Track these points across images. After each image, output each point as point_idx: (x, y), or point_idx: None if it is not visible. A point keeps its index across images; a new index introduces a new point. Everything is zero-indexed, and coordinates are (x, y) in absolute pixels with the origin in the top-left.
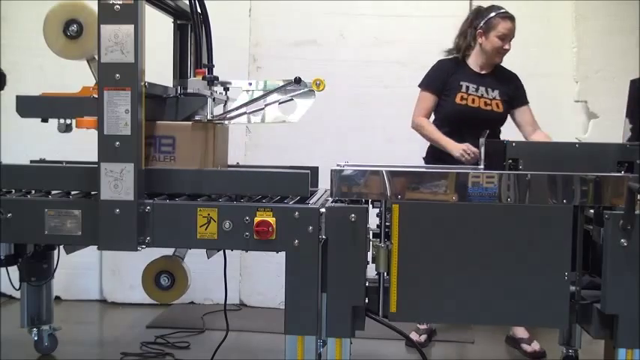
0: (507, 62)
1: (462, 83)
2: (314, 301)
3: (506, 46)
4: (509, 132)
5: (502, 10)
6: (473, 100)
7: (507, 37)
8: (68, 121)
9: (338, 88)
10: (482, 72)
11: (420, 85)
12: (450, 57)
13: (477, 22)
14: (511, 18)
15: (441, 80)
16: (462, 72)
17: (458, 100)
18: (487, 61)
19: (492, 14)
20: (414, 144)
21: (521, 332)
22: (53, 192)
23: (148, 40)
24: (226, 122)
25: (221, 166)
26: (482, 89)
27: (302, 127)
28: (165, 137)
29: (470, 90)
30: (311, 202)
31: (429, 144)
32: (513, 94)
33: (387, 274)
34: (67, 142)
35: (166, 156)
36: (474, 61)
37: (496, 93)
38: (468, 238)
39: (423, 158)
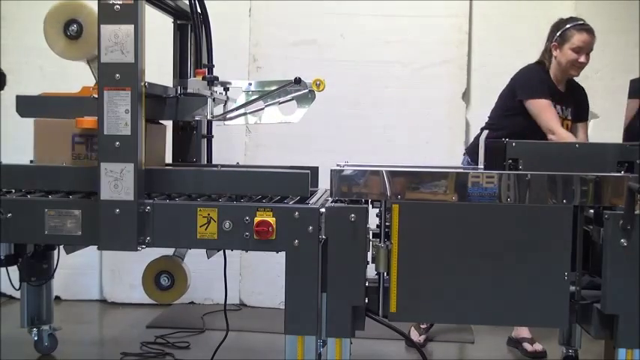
0: (506, 62)
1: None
2: (314, 301)
3: (582, 59)
4: None
5: (579, 22)
6: None
7: (583, 49)
8: None
9: (338, 88)
10: (559, 86)
11: (529, 96)
12: (534, 63)
13: (553, 35)
14: (588, 30)
15: (547, 85)
16: (549, 85)
17: None
18: (562, 75)
19: (568, 26)
20: (414, 144)
21: (524, 332)
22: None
23: (149, 40)
24: (226, 122)
25: (157, 165)
26: (559, 107)
27: (302, 127)
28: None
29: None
30: (311, 202)
31: (473, 137)
32: (579, 110)
33: (387, 274)
34: None
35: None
36: (553, 74)
37: (569, 112)
38: (468, 238)
39: (466, 149)
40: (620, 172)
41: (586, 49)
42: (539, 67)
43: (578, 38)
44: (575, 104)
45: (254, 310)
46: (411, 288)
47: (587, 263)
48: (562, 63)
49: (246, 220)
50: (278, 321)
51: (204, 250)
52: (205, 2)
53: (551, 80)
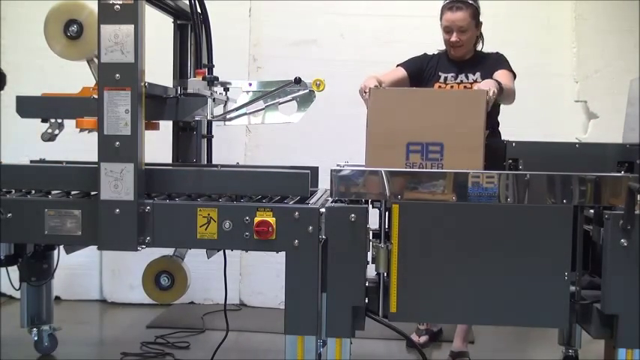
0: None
1: (440, 74)
2: (314, 301)
3: (453, 38)
4: (508, 128)
5: (447, 1)
6: (452, 87)
7: (451, 29)
8: (56, 132)
9: (338, 88)
10: (460, 59)
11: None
12: (434, 52)
13: None
14: (452, 8)
15: (419, 64)
16: (441, 63)
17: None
18: (452, 56)
19: (441, 8)
20: None
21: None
22: (53, 192)
23: (149, 40)
24: (226, 122)
25: None
26: (461, 76)
27: (302, 127)
28: None
29: (448, 80)
30: (311, 202)
31: None
32: (493, 65)
33: (387, 275)
34: (67, 142)
35: None
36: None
37: (477, 75)
38: (468, 238)
39: None
40: (620, 172)
41: (455, 28)
42: (432, 54)
43: (444, 19)
44: (486, 65)
45: (254, 310)
46: (411, 288)
47: (587, 263)
48: (445, 45)
49: (246, 220)
50: (278, 321)
51: (204, 250)
52: (205, 2)
53: (446, 58)
